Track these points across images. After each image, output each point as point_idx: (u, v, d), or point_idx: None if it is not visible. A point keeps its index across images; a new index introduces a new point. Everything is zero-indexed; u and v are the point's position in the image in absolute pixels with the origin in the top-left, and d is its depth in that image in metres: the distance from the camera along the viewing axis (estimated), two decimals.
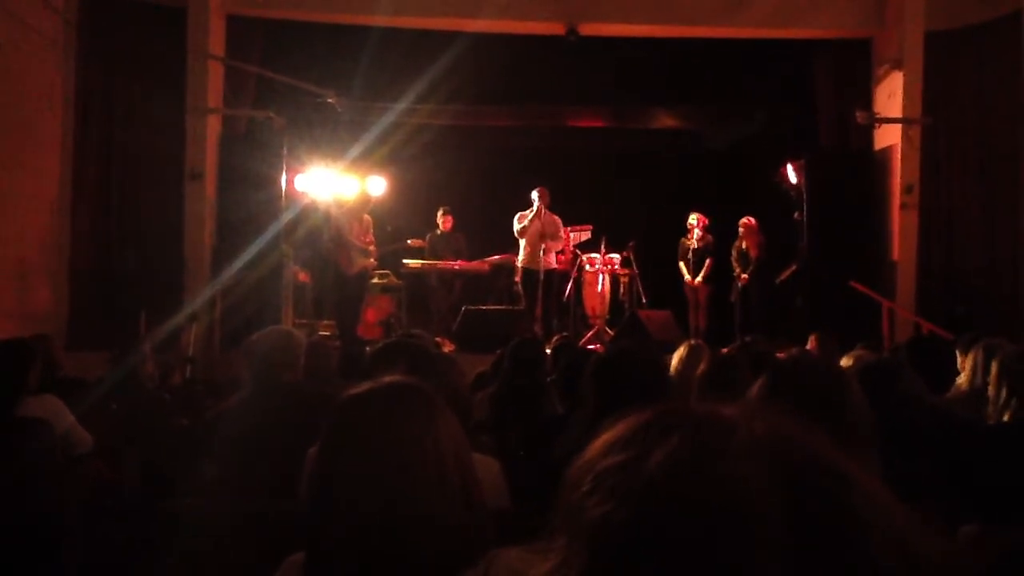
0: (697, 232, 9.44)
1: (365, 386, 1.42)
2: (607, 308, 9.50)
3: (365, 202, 9.29)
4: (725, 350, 4.56)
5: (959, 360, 3.92)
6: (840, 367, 1.75)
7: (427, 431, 1.34)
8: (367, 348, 5.54)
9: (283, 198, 8.57)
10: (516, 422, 3.35)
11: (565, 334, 7.30)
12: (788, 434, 0.58)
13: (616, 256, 9.56)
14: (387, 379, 1.44)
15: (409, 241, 9.73)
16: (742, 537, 0.51)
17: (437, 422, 1.36)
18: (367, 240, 8.79)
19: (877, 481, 0.57)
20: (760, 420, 0.59)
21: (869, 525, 0.53)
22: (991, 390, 3.42)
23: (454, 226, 9.96)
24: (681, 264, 9.51)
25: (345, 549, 1.30)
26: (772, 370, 1.49)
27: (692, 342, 4.21)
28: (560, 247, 9.20)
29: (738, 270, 9.26)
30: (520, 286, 9.22)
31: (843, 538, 0.52)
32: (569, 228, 9.45)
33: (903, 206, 8.59)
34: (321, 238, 9.12)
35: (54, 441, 3.18)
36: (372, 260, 8.86)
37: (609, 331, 9.06)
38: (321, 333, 9.03)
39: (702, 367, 2.63)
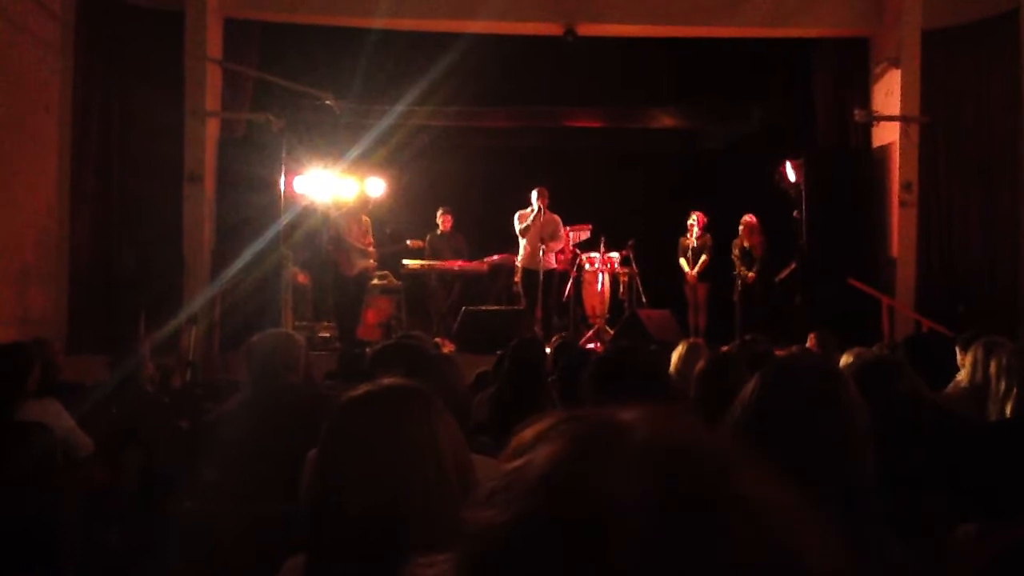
0: (696, 231, 9.48)
1: (363, 388, 1.42)
2: (607, 307, 9.49)
3: (364, 203, 9.29)
4: (725, 348, 4.56)
5: (959, 357, 3.92)
6: (835, 365, 1.75)
7: (424, 432, 1.34)
8: (367, 349, 5.53)
9: (282, 200, 8.57)
10: (517, 423, 3.34)
11: (564, 334, 7.30)
12: (678, 442, 0.56)
13: (615, 255, 9.56)
14: (385, 381, 1.44)
15: (408, 242, 9.71)
16: (609, 548, 0.50)
17: (434, 423, 1.36)
18: (367, 242, 8.79)
19: (778, 498, 0.55)
20: (654, 425, 0.57)
21: (748, 548, 0.51)
22: (992, 385, 3.42)
23: (453, 226, 9.96)
24: (681, 260, 9.53)
25: (345, 551, 1.30)
26: (765, 369, 1.49)
27: (691, 341, 4.22)
28: (560, 247, 9.19)
29: (742, 269, 9.25)
30: (520, 286, 9.21)
31: (714, 555, 0.51)
32: (568, 228, 9.45)
33: (902, 204, 8.60)
34: (320, 240, 9.12)
35: (53, 445, 3.18)
36: (372, 262, 8.86)
37: (609, 330, 9.06)
38: (321, 335, 9.03)
39: (700, 365, 2.63)
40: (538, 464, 0.55)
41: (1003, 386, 3.39)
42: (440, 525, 1.28)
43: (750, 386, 1.45)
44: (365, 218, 8.98)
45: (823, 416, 1.36)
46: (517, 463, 0.57)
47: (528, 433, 0.60)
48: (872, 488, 1.34)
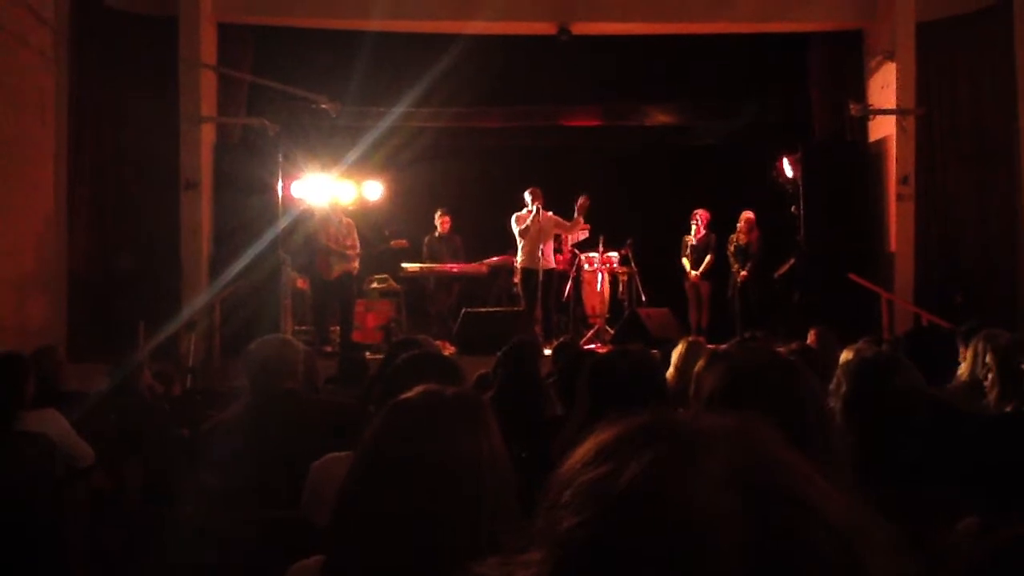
0: (699, 230, 9.41)
1: (415, 392, 1.37)
2: (607, 307, 9.49)
3: (338, 205, 9.24)
4: (724, 346, 4.54)
5: (960, 351, 3.91)
6: (782, 355, 1.77)
7: (474, 446, 1.28)
8: (366, 353, 5.51)
9: (279, 205, 8.56)
10: (516, 424, 3.34)
11: (567, 337, 7.29)
12: (762, 460, 0.57)
13: (614, 255, 9.55)
14: (437, 388, 1.38)
15: (392, 243, 9.59)
16: (698, 566, 0.51)
17: (489, 437, 1.31)
18: (348, 244, 8.76)
19: (850, 511, 0.56)
20: (735, 441, 0.58)
21: (831, 566, 0.53)
22: (991, 379, 3.41)
23: (452, 228, 9.94)
24: (684, 260, 9.49)
25: (373, 558, 1.24)
26: (728, 366, 1.51)
27: (691, 339, 4.20)
28: (574, 231, 9.21)
29: (736, 266, 9.23)
30: (519, 287, 9.20)
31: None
32: None
33: (899, 197, 8.59)
34: (318, 244, 9.10)
35: (53, 455, 3.17)
36: (355, 264, 8.81)
37: (609, 330, 9.06)
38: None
39: (700, 364, 2.62)
40: (623, 479, 0.56)
41: (1003, 378, 3.38)
42: (476, 539, 1.22)
43: (708, 382, 1.47)
44: (346, 220, 8.94)
45: (772, 405, 1.36)
46: (601, 471, 0.57)
47: (609, 437, 0.60)
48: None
